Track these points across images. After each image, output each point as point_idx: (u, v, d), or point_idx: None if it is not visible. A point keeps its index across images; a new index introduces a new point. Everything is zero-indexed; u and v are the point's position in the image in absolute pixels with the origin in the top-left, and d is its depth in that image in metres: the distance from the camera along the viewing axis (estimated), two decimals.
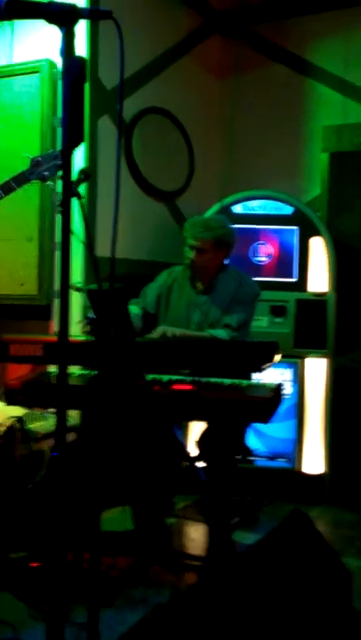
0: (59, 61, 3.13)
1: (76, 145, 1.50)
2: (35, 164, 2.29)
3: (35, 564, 2.65)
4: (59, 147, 3.05)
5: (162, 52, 4.06)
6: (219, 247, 3.03)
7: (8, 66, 3.59)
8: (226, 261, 3.16)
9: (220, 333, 2.91)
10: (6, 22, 3.58)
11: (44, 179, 2.31)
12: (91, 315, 2.34)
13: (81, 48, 3.16)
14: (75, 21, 1.47)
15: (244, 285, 3.07)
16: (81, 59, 1.48)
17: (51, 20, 1.47)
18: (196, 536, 3.27)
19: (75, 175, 2.14)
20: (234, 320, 2.96)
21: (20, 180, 2.32)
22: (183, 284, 3.14)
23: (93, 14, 1.63)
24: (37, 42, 3.51)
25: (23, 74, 3.49)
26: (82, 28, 3.36)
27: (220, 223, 3.13)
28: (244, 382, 2.55)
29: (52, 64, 3.42)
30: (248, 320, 3.04)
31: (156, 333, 2.84)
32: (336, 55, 4.23)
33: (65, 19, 1.46)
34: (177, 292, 3.13)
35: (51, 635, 1.47)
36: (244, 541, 3.13)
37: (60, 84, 3.41)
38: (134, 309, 3.03)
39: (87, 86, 3.39)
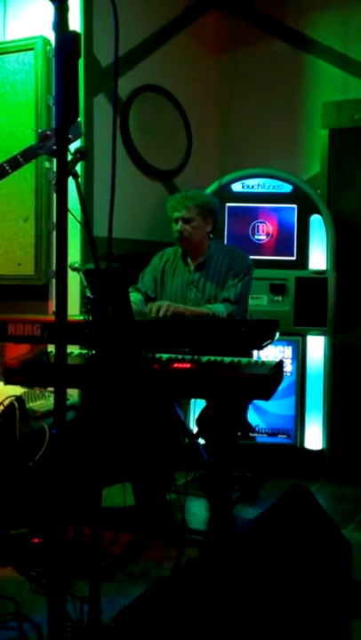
0: (53, 38, 3.09)
1: (72, 122, 1.49)
2: (43, 137, 2.17)
3: (36, 540, 2.69)
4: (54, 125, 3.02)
5: (158, 28, 4.01)
6: (204, 215, 3.04)
7: (1, 43, 3.55)
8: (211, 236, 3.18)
9: (219, 308, 2.92)
10: None
11: (54, 153, 2.20)
12: (88, 294, 2.34)
13: (75, 24, 3.12)
14: None
15: (236, 258, 3.08)
16: (75, 33, 1.45)
17: None
18: (197, 511, 3.30)
19: (70, 154, 2.12)
20: (232, 294, 2.98)
21: (29, 154, 2.20)
22: (176, 264, 3.16)
23: None
24: (31, 18, 3.47)
25: (17, 51, 3.45)
26: (75, 5, 3.32)
27: (200, 192, 3.19)
28: (244, 360, 2.56)
29: (46, 41, 3.38)
30: (245, 293, 3.05)
31: (152, 307, 2.84)
32: (336, 30, 4.18)
33: None
34: (170, 273, 3.15)
35: (53, 609, 1.49)
36: (244, 516, 3.16)
37: (54, 61, 3.37)
38: (136, 296, 3.05)
39: (82, 63, 3.35)
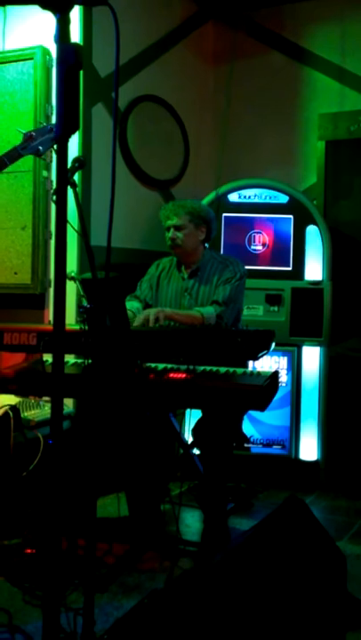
0: (52, 48, 3.10)
1: (72, 133, 1.49)
2: (27, 138, 2.22)
3: (29, 551, 2.67)
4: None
5: (156, 39, 4.04)
6: (196, 223, 3.06)
7: (0, 53, 3.56)
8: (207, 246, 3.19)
9: (208, 310, 2.94)
10: None
11: (38, 153, 2.23)
12: (85, 304, 2.33)
13: (74, 34, 3.14)
14: (70, 7, 1.45)
15: (229, 265, 3.10)
16: (77, 45, 1.45)
17: (45, 6, 1.45)
18: (191, 522, 3.29)
19: (69, 163, 2.13)
20: (220, 296, 3.00)
21: (13, 155, 2.25)
22: (171, 272, 3.18)
23: (89, 0, 1.61)
24: (30, 28, 3.48)
25: (16, 61, 3.47)
26: (75, 15, 3.34)
27: (192, 201, 3.20)
28: (240, 370, 2.56)
29: (45, 51, 3.39)
30: (235, 296, 3.04)
31: (141, 316, 2.84)
32: (333, 42, 4.21)
33: (60, 4, 1.44)
34: (165, 281, 3.17)
35: (46, 620, 1.48)
36: (238, 527, 3.15)
37: (53, 71, 3.39)
38: (134, 304, 3.06)
39: (81, 73, 3.36)
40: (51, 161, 3.42)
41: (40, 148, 2.22)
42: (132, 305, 3.04)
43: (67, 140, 1.47)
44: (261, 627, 1.66)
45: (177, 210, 3.07)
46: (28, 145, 2.22)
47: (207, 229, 3.11)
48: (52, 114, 3.39)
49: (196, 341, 2.53)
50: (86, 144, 3.47)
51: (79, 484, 1.97)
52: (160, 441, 2.97)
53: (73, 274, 2.62)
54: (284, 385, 3.84)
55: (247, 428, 3.85)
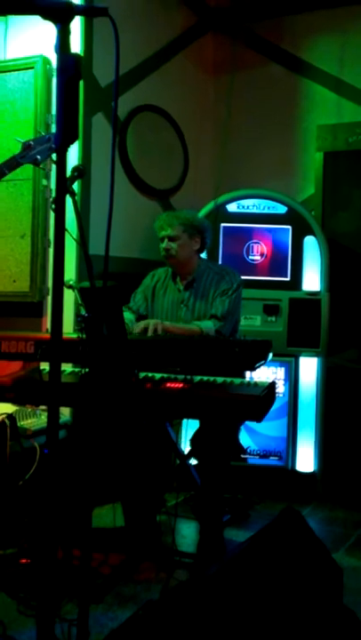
0: (53, 58, 3.12)
1: (71, 142, 1.50)
2: (26, 147, 2.24)
3: (24, 561, 2.65)
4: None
5: (156, 49, 4.06)
6: (190, 233, 3.06)
7: (1, 62, 3.58)
8: (203, 255, 3.19)
9: (207, 324, 2.93)
10: (0, 18, 3.57)
11: (36, 162, 2.26)
12: (83, 312, 2.33)
13: (75, 45, 3.16)
14: (70, 18, 1.46)
15: (225, 276, 3.09)
16: (77, 56, 1.46)
17: (46, 16, 1.46)
18: (187, 533, 3.27)
19: (68, 172, 2.14)
20: (219, 310, 2.99)
21: (12, 164, 2.27)
22: (167, 284, 3.18)
23: (89, 11, 1.62)
24: (31, 38, 3.50)
25: (17, 70, 3.48)
26: (76, 25, 3.36)
27: (187, 212, 3.20)
28: (237, 380, 2.55)
29: (45, 60, 3.41)
30: (233, 310, 3.03)
31: (141, 325, 2.84)
32: (331, 54, 4.24)
33: (60, 15, 1.45)
34: (161, 292, 3.16)
35: (41, 631, 1.47)
36: (235, 539, 3.14)
37: (54, 80, 3.41)
38: (127, 315, 3.05)
39: (81, 83, 3.38)
40: (50, 169, 3.42)
41: (38, 157, 2.23)
42: (126, 316, 3.03)
43: (66, 150, 1.47)
44: (257, 639, 1.64)
45: (171, 220, 3.07)
46: (27, 154, 2.24)
47: (201, 240, 3.11)
48: (52, 123, 3.40)
49: (194, 351, 2.53)
50: (86, 153, 3.48)
51: (75, 494, 1.96)
52: (156, 451, 2.96)
53: (71, 282, 2.62)
54: (281, 395, 3.83)
55: (244, 438, 3.84)
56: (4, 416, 2.75)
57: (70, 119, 1.46)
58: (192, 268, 3.11)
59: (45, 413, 2.88)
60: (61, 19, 1.45)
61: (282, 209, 3.95)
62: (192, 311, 3.06)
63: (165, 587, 2.63)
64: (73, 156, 3.37)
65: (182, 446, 3.33)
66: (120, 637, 2.00)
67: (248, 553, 1.79)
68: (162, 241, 3.08)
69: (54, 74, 3.42)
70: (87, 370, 2.09)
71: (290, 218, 3.93)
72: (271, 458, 3.87)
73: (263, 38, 4.41)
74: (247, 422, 3.51)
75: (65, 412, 3.33)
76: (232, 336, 3.07)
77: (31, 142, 2.26)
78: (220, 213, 3.96)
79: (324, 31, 4.25)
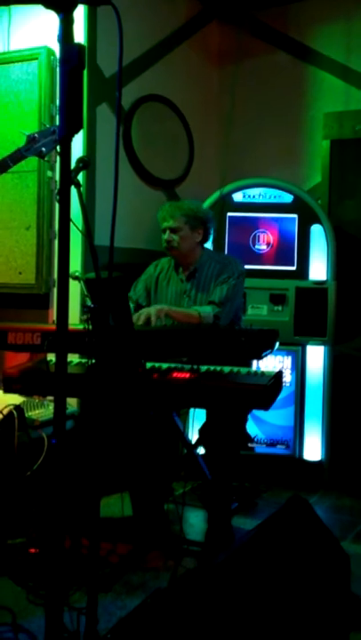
0: (57, 49, 3.11)
1: (75, 132, 1.49)
2: (30, 139, 2.24)
3: (33, 550, 2.68)
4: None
5: (161, 38, 4.04)
6: (192, 225, 3.04)
7: (5, 53, 3.57)
8: (207, 245, 3.18)
9: (205, 309, 2.93)
10: (3, 8, 3.56)
11: (41, 154, 2.26)
12: (89, 303, 2.34)
13: (79, 34, 3.15)
14: (73, 7, 1.44)
15: (227, 265, 3.08)
16: (80, 46, 1.45)
17: (48, 6, 1.45)
18: (195, 522, 3.29)
19: (73, 164, 2.13)
20: (217, 296, 2.98)
21: (16, 156, 2.27)
22: (170, 274, 3.17)
23: (92, 0, 1.61)
24: (35, 29, 3.49)
25: (21, 61, 3.47)
26: (79, 14, 3.34)
27: (190, 202, 3.18)
28: (244, 370, 2.55)
29: (50, 51, 3.40)
30: (231, 296, 3.01)
31: (141, 315, 2.83)
32: (338, 41, 4.20)
33: (62, 4, 1.44)
34: (164, 283, 3.15)
35: (50, 620, 1.48)
36: (242, 527, 3.15)
37: (58, 71, 3.40)
38: None
39: (85, 73, 3.37)
40: (55, 161, 3.42)
41: (43, 149, 2.23)
42: None
43: (70, 140, 1.47)
44: (265, 626, 1.66)
45: (173, 211, 3.05)
46: (32, 147, 2.24)
47: (204, 231, 3.09)
48: (56, 114, 3.39)
49: (200, 341, 2.53)
50: (90, 144, 3.47)
51: (83, 484, 1.97)
52: (164, 440, 2.97)
53: (77, 273, 2.62)
54: (288, 385, 3.83)
55: (251, 427, 3.84)
56: (11, 407, 2.76)
57: (74, 109, 1.45)
58: (194, 259, 3.10)
59: (52, 404, 2.89)
60: (64, 8, 1.44)
61: (288, 198, 3.93)
62: (194, 302, 3.05)
63: (174, 575, 2.65)
64: (77, 147, 3.36)
65: (190, 435, 3.34)
66: (129, 625, 2.01)
67: (256, 541, 1.80)
68: (164, 232, 3.07)
69: (58, 65, 3.42)
70: (94, 361, 2.10)
71: (296, 207, 3.91)
72: (278, 446, 3.88)
73: (269, 26, 4.37)
74: (254, 411, 3.52)
75: (72, 403, 3.35)
76: (234, 324, 3.07)
77: (36, 135, 2.26)
78: (226, 203, 3.95)
79: (330, 18, 4.21)
